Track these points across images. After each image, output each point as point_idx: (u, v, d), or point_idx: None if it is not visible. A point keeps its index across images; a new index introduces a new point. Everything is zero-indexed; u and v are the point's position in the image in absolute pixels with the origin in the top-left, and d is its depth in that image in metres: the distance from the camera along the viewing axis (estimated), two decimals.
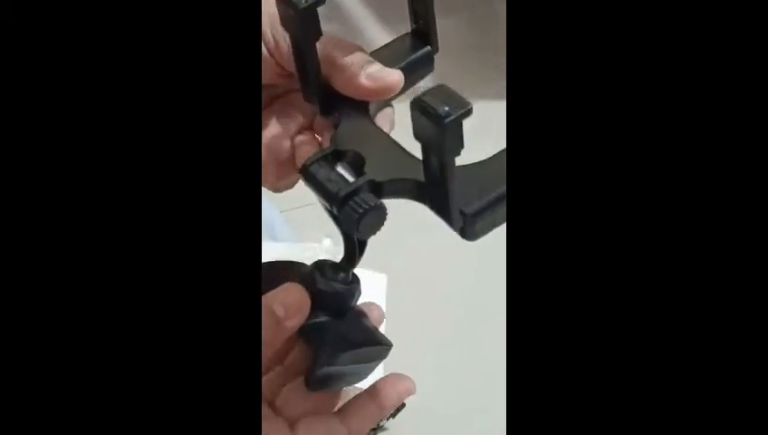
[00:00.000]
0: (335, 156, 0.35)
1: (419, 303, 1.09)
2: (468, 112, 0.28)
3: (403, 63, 0.40)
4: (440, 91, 0.28)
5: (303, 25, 0.35)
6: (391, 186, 0.34)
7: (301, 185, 0.41)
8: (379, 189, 0.34)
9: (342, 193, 0.33)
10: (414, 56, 0.41)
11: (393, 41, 0.42)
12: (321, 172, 0.34)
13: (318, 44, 0.37)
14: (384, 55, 0.40)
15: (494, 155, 0.34)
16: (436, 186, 0.31)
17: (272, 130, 0.41)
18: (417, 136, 0.29)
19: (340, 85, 0.38)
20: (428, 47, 0.41)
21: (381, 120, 0.40)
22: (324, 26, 0.36)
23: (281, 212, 1.14)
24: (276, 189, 0.42)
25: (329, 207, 0.34)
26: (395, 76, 0.38)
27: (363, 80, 0.37)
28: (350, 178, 0.34)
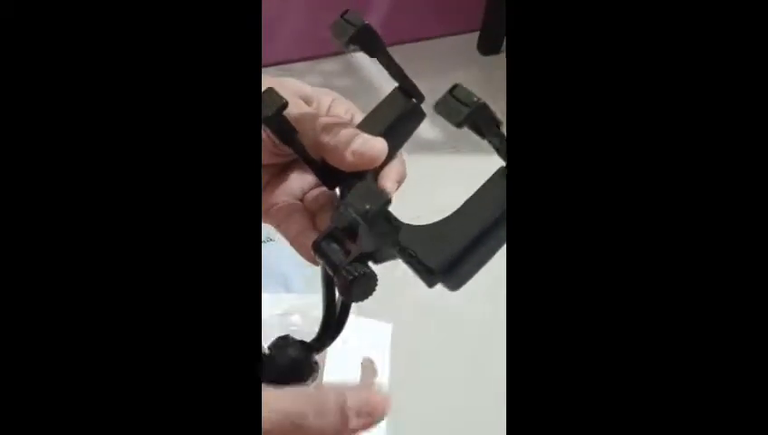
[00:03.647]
0: (337, 232, 0.39)
1: (424, 352, 1.08)
2: (387, 204, 0.33)
3: (390, 123, 0.44)
4: (362, 188, 0.34)
5: (275, 131, 0.40)
6: (380, 254, 0.38)
7: None
8: (372, 257, 0.38)
9: (343, 265, 0.37)
10: (401, 112, 0.44)
11: (385, 98, 0.45)
12: (328, 248, 0.39)
13: (310, 124, 0.42)
14: (376, 116, 0.44)
15: (457, 210, 0.37)
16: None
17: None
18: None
19: (331, 162, 0.42)
20: (413, 100, 0.44)
21: (387, 172, 0.43)
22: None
23: (296, 265, 1.14)
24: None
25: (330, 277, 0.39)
26: (377, 148, 0.41)
27: (349, 157, 0.40)
28: (348, 251, 0.39)
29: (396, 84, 0.45)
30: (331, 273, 0.38)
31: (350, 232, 0.39)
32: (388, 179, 0.43)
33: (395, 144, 0.43)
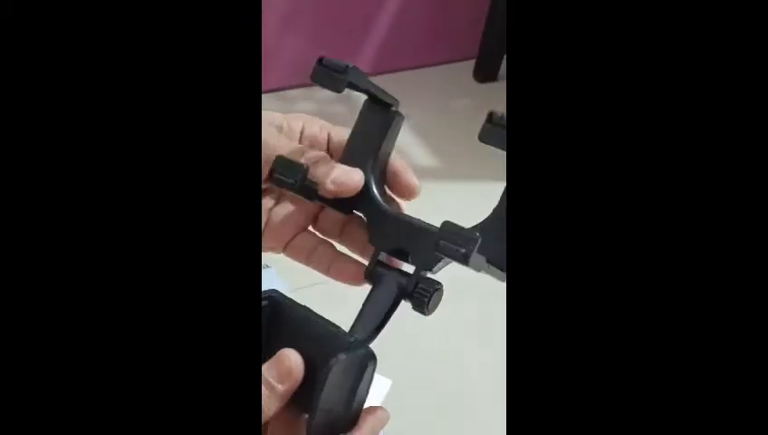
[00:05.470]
0: (382, 256, 0.43)
1: (423, 409, 1.08)
2: (477, 241, 0.36)
3: (378, 140, 0.45)
4: (449, 230, 0.36)
5: (300, 193, 0.43)
6: (437, 266, 0.42)
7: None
8: (428, 267, 0.41)
9: (410, 288, 0.41)
10: (383, 125, 0.46)
11: (362, 113, 0.46)
12: (383, 274, 0.42)
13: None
14: (362, 137, 0.46)
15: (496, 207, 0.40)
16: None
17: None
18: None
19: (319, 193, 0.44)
20: (389, 107, 0.46)
21: (397, 175, 0.46)
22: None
23: (292, 291, 1.14)
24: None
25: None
26: (354, 179, 0.44)
27: (330, 187, 0.43)
28: (409, 272, 0.42)
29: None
30: (397, 294, 0.42)
31: (398, 252, 0.43)
32: (407, 181, 0.46)
33: (387, 151, 0.46)
